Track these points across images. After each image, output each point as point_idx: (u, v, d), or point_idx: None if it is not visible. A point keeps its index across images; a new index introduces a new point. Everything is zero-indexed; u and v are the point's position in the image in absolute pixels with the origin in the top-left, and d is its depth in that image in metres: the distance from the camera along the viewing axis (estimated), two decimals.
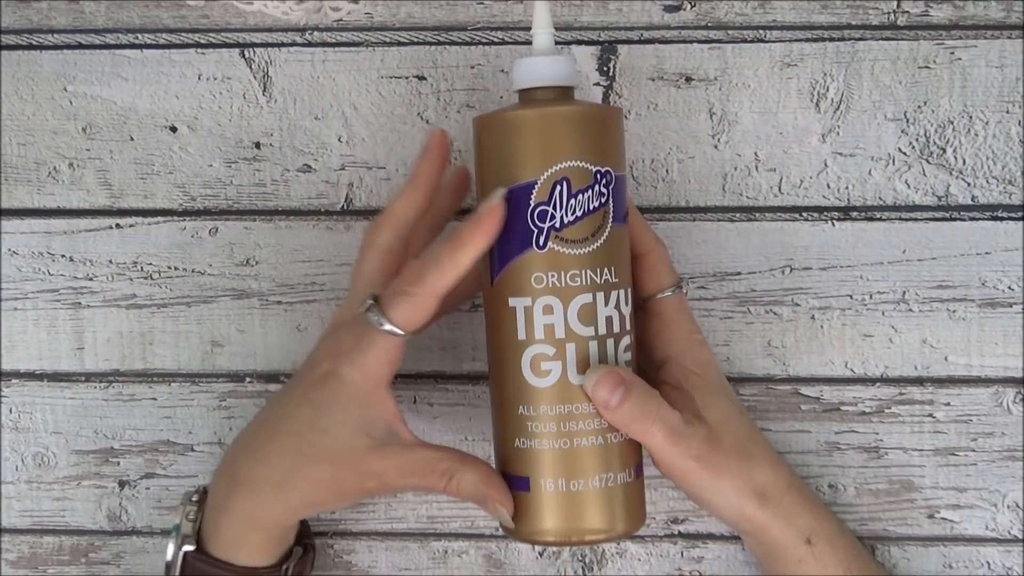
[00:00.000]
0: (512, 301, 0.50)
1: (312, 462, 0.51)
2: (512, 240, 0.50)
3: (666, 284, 0.55)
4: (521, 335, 0.50)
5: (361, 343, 0.51)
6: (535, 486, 0.51)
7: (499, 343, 0.52)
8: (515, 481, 0.51)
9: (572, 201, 0.49)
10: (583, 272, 0.50)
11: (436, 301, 0.50)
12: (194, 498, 0.56)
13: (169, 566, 0.55)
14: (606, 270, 0.50)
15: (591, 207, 0.50)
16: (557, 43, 0.59)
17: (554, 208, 0.49)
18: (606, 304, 0.50)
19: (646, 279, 0.55)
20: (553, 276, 0.50)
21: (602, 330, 0.50)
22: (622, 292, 0.51)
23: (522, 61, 0.51)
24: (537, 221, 0.50)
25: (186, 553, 0.55)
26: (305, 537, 0.59)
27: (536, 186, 0.49)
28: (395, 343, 0.51)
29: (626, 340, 0.51)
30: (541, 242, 0.50)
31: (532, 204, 0.50)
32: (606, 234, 0.50)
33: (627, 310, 0.52)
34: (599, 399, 0.49)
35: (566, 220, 0.50)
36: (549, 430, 0.50)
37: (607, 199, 0.50)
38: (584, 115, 0.51)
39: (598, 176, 0.50)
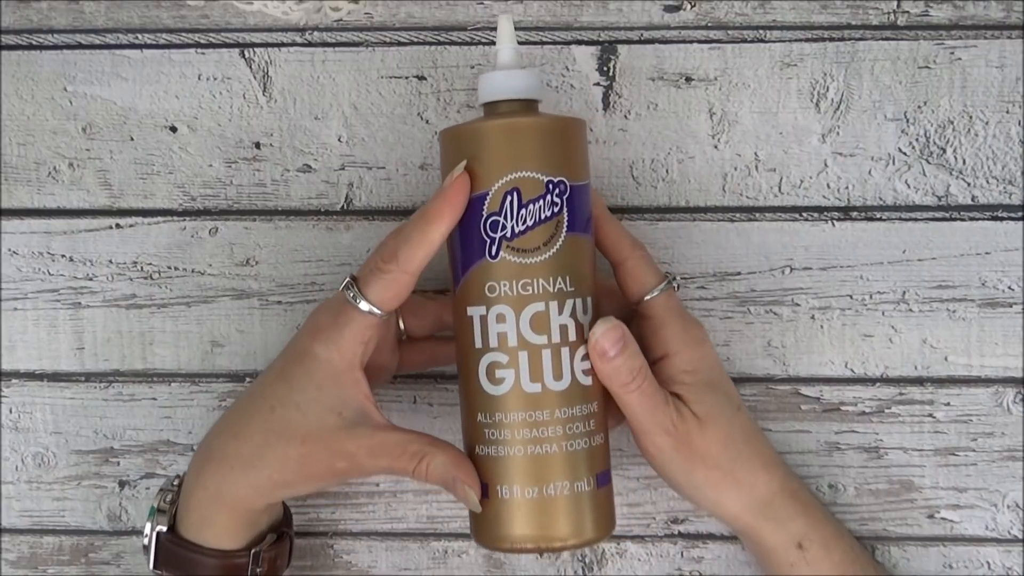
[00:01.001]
0: (470, 310, 0.51)
1: (282, 439, 0.51)
2: (468, 250, 0.51)
3: (650, 286, 0.54)
4: (478, 343, 0.51)
5: (338, 321, 0.51)
6: (492, 492, 0.51)
7: (461, 352, 0.52)
8: None
9: (523, 211, 0.50)
10: (535, 281, 0.50)
11: (411, 279, 0.51)
12: (175, 482, 0.56)
13: (146, 549, 0.55)
14: (560, 279, 0.51)
15: (542, 216, 0.50)
16: (557, 43, 0.59)
17: (505, 218, 0.50)
18: (560, 312, 0.51)
19: (630, 284, 0.55)
20: (505, 285, 0.50)
21: (556, 338, 0.51)
22: (579, 301, 0.51)
23: (484, 75, 0.52)
24: (489, 231, 0.50)
25: (159, 534, 0.54)
26: (283, 525, 0.58)
27: (488, 197, 0.50)
28: (371, 322, 0.51)
29: (583, 349, 0.51)
30: (493, 252, 0.50)
31: (485, 215, 0.50)
32: (559, 243, 0.50)
33: (585, 319, 0.51)
34: (600, 348, 0.50)
35: (517, 230, 0.50)
36: (504, 437, 0.51)
37: (560, 209, 0.50)
38: (536, 127, 0.51)
39: (550, 186, 0.50)
